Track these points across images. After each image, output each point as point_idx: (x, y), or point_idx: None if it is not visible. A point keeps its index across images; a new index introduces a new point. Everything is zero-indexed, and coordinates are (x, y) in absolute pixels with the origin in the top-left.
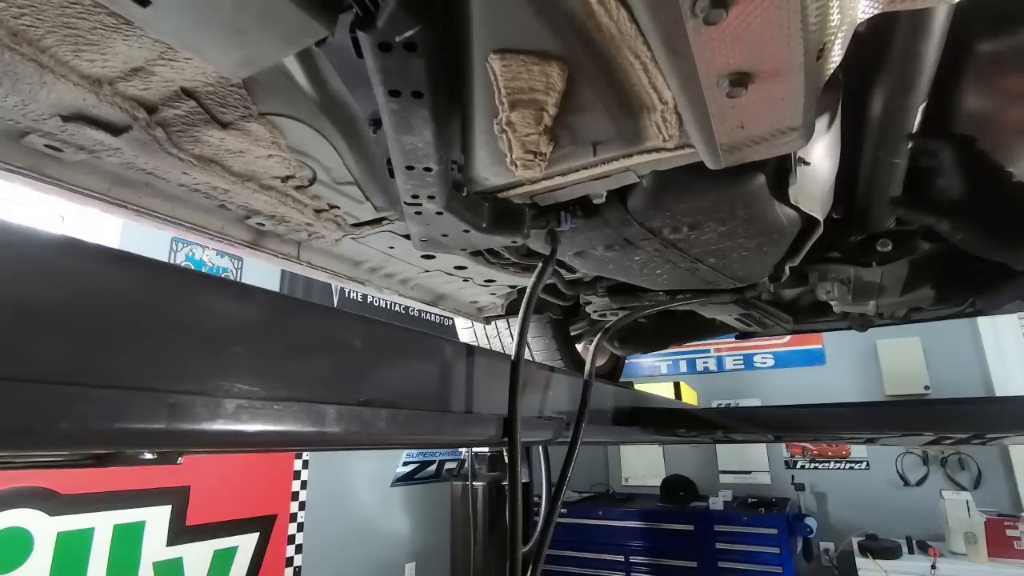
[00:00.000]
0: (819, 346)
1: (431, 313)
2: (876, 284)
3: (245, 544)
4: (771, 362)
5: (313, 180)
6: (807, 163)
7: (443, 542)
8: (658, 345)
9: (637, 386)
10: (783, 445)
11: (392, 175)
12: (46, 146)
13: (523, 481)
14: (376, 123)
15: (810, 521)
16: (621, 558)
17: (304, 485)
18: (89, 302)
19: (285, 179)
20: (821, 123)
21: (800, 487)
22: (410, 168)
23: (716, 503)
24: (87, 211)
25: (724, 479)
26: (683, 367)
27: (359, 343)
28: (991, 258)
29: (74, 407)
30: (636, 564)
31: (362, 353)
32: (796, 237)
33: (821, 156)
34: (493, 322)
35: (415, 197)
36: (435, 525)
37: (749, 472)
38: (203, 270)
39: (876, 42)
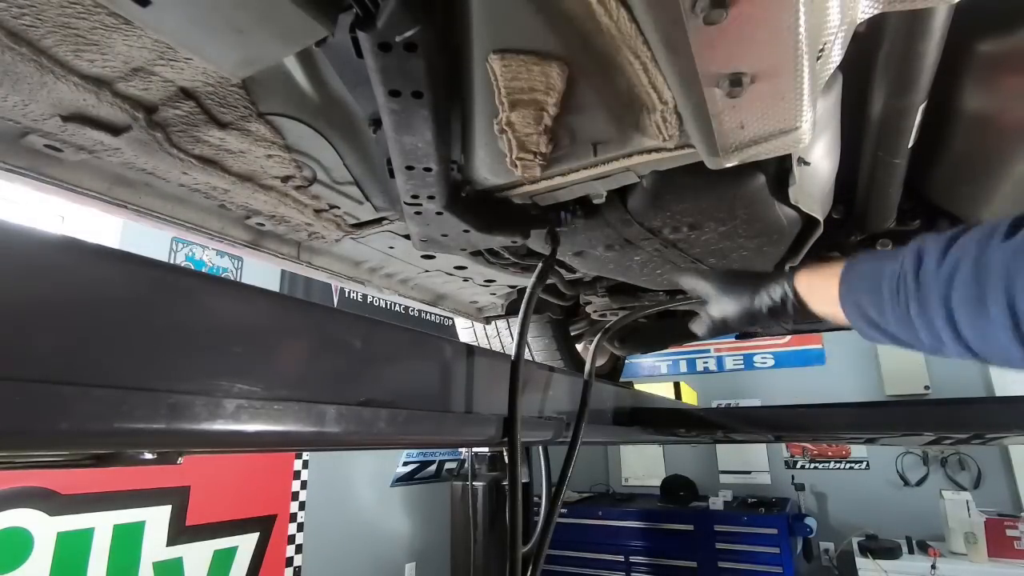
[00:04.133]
0: (819, 346)
1: (431, 313)
2: None
3: (245, 544)
4: (771, 362)
5: (313, 180)
6: (807, 163)
7: (443, 542)
8: (658, 345)
9: (637, 386)
10: (783, 445)
11: (392, 175)
12: (46, 146)
13: (523, 481)
14: (376, 123)
15: (810, 521)
16: (621, 558)
17: (304, 485)
18: (89, 302)
19: (285, 179)
20: (821, 123)
21: (800, 487)
22: (410, 168)
23: (716, 503)
24: (87, 211)
25: (724, 479)
26: (683, 367)
27: (359, 343)
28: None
29: (74, 407)
30: (636, 564)
31: (362, 353)
32: (796, 237)
33: (821, 156)
34: (493, 322)
35: (415, 197)
36: (435, 525)
37: (749, 472)
38: (203, 270)
39: (876, 42)
